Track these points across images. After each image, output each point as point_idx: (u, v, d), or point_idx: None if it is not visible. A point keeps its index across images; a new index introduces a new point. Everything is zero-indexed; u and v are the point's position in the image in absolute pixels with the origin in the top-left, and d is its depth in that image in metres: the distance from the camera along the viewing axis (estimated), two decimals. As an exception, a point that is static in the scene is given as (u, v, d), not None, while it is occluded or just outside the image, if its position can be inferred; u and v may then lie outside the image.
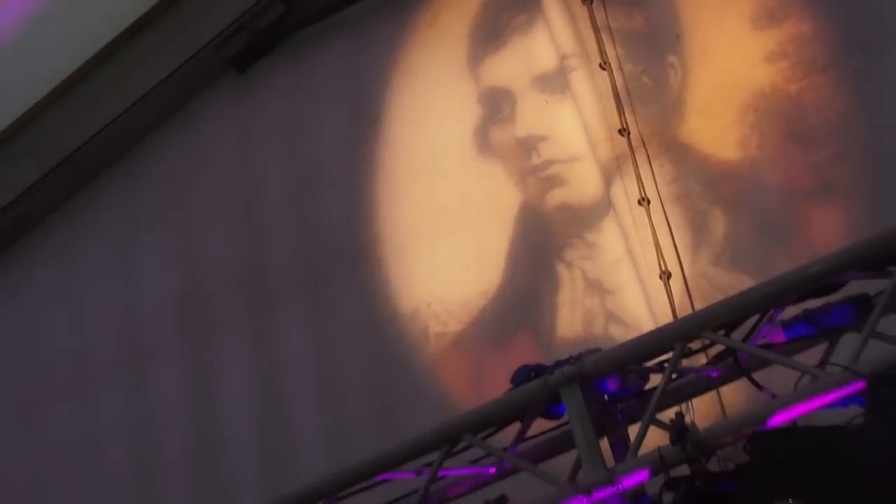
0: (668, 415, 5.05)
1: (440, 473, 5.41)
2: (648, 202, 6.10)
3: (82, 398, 7.15)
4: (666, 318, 5.85)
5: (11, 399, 7.35)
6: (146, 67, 7.74)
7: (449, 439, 5.39)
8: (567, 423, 5.24)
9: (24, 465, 7.18)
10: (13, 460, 7.24)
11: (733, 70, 6.31)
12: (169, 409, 7.01)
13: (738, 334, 5.16)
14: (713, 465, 4.96)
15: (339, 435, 6.36)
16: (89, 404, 7.11)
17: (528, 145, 6.38)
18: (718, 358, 5.27)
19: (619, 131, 6.18)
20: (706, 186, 6.20)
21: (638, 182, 6.13)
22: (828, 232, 5.93)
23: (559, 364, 5.26)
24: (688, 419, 5.01)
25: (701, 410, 5.60)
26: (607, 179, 6.24)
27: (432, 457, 5.40)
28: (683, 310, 5.86)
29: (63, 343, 7.31)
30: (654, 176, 6.15)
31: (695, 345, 5.22)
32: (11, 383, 7.38)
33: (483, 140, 6.48)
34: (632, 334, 5.81)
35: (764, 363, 5.10)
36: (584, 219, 6.25)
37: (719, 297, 5.59)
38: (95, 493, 7.05)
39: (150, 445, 7.00)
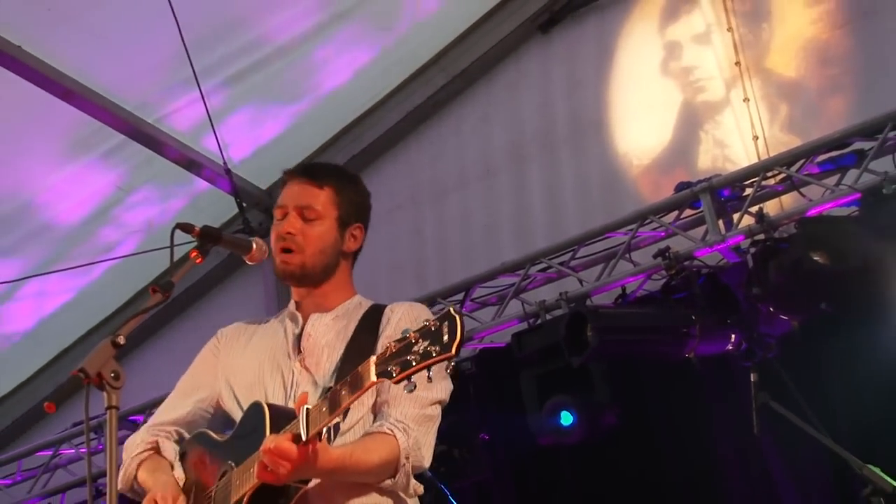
0: (753, 209, 5.54)
1: (638, 233, 5.98)
2: (748, 100, 6.33)
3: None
4: (755, 159, 6.07)
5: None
6: None
7: (639, 218, 5.91)
8: (702, 211, 5.73)
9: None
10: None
11: (793, 30, 6.41)
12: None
13: (793, 168, 5.56)
14: (778, 235, 5.43)
15: (589, 211, 6.67)
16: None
17: (687, 71, 6.58)
18: (782, 181, 5.66)
19: (735, 63, 6.37)
20: (777, 90, 6.33)
21: (743, 89, 6.34)
22: (841, 113, 6.04)
23: (699, 181, 5.75)
24: (765, 210, 5.53)
25: (771, 207, 5.86)
26: (728, 88, 6.40)
27: (631, 226, 5.98)
28: (764, 156, 6.07)
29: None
30: (752, 86, 6.33)
31: (770, 174, 5.67)
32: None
33: (664, 68, 6.68)
34: (737, 167, 6.10)
35: (806, 183, 5.50)
36: (714, 108, 6.42)
37: (784, 149, 5.88)
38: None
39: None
